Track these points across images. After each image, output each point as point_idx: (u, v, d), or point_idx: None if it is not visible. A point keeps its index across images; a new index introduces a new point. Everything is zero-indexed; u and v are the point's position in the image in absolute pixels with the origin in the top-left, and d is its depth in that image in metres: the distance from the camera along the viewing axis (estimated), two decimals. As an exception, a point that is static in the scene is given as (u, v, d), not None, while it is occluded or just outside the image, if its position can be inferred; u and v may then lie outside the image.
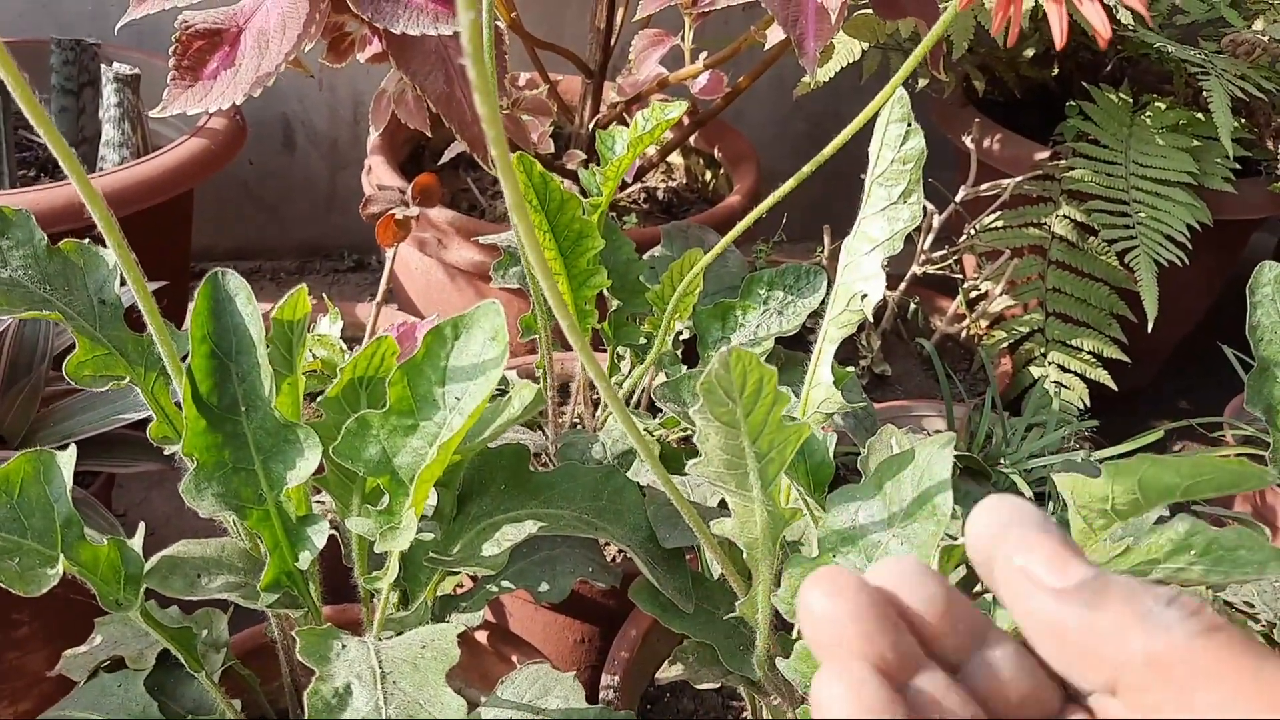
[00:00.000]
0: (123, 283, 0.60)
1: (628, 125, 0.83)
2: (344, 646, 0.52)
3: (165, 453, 0.61)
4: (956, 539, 0.49)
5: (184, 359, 0.57)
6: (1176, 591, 0.26)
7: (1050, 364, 1.20)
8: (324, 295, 1.08)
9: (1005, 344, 1.21)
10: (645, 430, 0.87)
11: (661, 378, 0.90)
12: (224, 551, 0.60)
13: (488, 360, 0.53)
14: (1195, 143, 1.18)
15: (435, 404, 0.53)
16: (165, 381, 0.61)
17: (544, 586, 0.69)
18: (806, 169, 0.68)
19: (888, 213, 0.64)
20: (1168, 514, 0.62)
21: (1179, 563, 0.54)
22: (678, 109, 0.79)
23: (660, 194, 1.33)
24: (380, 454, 0.54)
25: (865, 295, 0.65)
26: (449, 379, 0.53)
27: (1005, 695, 0.28)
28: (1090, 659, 0.26)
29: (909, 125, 0.63)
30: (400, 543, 0.53)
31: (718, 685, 0.70)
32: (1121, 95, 1.23)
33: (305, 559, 0.57)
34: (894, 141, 0.64)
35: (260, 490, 0.56)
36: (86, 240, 0.62)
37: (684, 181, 1.38)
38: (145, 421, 0.63)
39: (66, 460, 0.55)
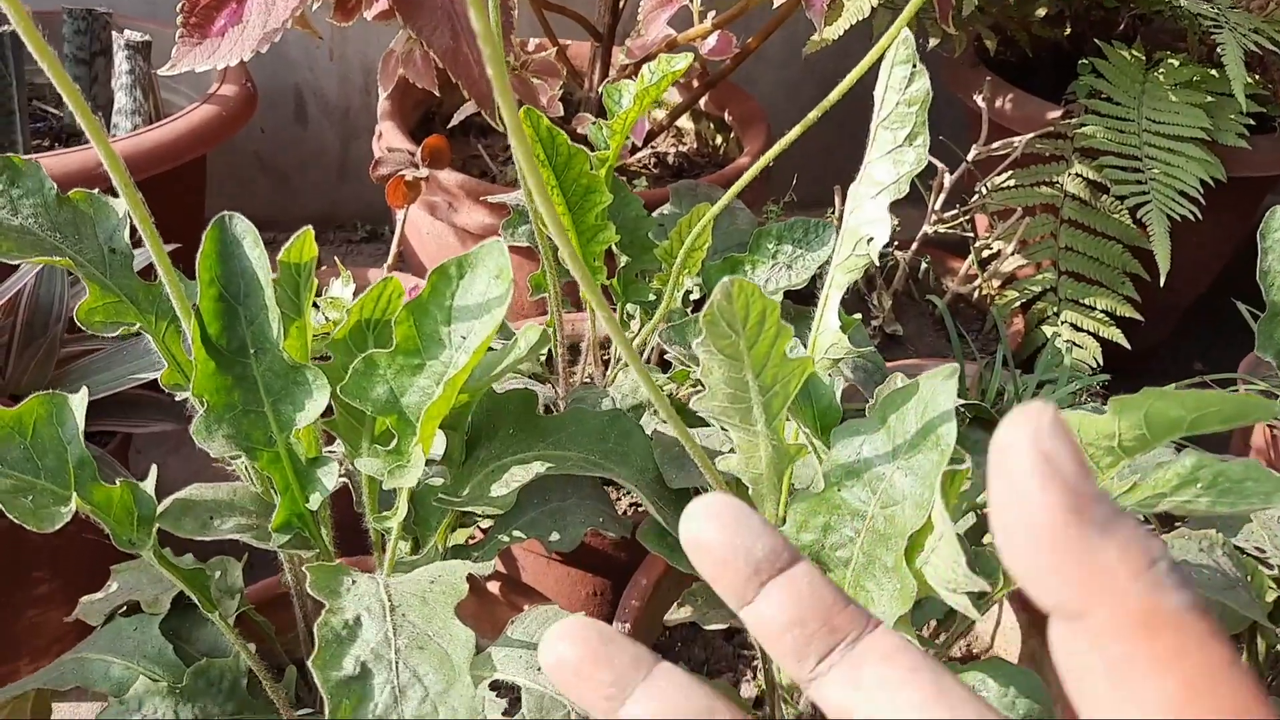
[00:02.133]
0: (133, 232, 0.61)
1: (636, 83, 0.83)
2: (354, 582, 0.53)
3: (177, 399, 0.62)
4: (961, 463, 0.50)
5: (193, 306, 0.58)
6: (1169, 553, 0.26)
7: (1063, 323, 1.20)
8: (336, 259, 1.08)
9: (1018, 303, 1.21)
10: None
11: (671, 334, 0.90)
12: (235, 495, 0.60)
13: (492, 299, 0.53)
14: (1209, 99, 1.17)
15: (441, 343, 0.54)
16: (176, 329, 0.62)
17: (554, 536, 0.70)
18: (813, 115, 0.68)
19: (893, 155, 0.64)
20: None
21: (1186, 495, 0.54)
22: (684, 60, 0.79)
23: (670, 158, 1.33)
24: (388, 394, 0.54)
25: (871, 239, 0.64)
26: (454, 318, 0.53)
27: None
28: (1074, 582, 0.25)
29: (914, 67, 0.63)
30: (408, 479, 0.54)
31: (726, 628, 0.70)
32: (1134, 53, 1.22)
33: (316, 500, 0.58)
34: (899, 84, 0.64)
35: (270, 432, 0.56)
36: (96, 190, 0.63)
37: (694, 146, 1.37)
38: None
39: (79, 403, 0.55)
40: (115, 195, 0.61)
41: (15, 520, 0.51)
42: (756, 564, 0.29)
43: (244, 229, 0.56)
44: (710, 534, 0.29)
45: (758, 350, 0.49)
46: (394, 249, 1.11)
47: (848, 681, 0.28)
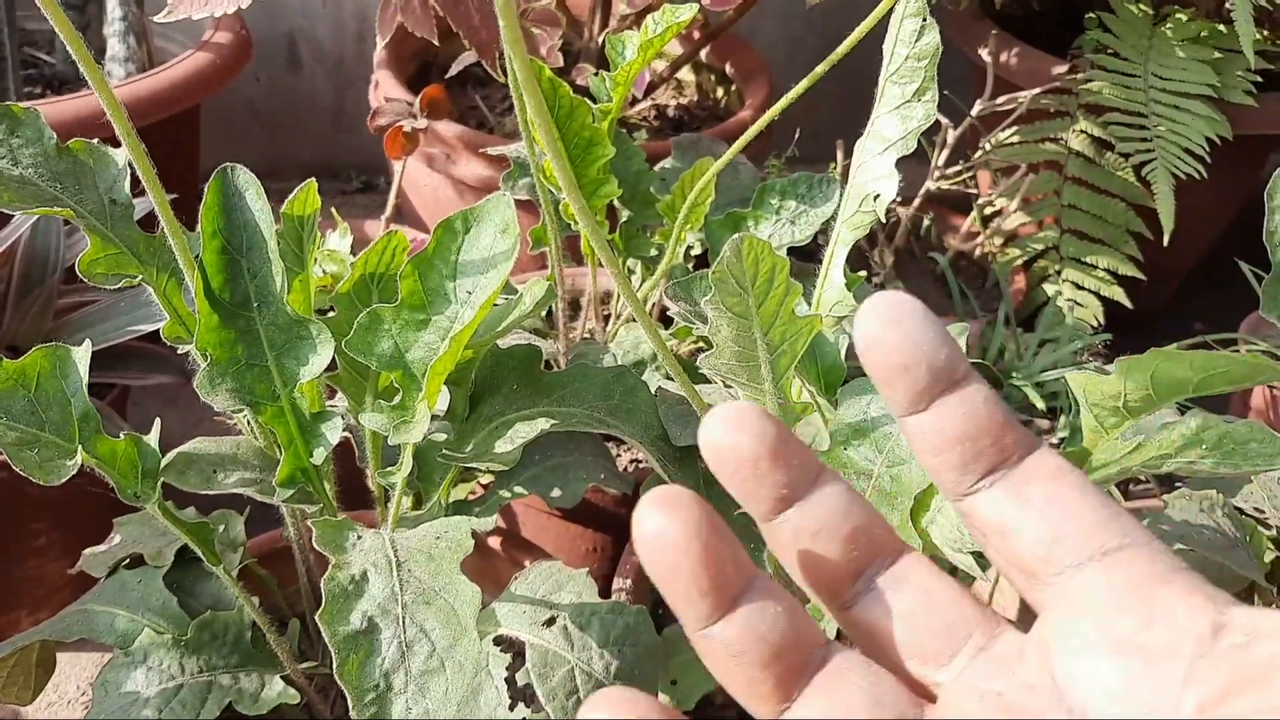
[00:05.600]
0: (134, 182, 0.60)
1: (639, 33, 0.82)
2: (359, 537, 0.53)
3: (179, 351, 0.61)
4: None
5: (196, 259, 0.57)
6: None
7: (1065, 281, 1.19)
8: (333, 210, 1.07)
9: (1020, 261, 1.21)
10: (656, 341, 0.87)
11: (673, 289, 0.89)
12: (239, 449, 0.60)
13: (498, 253, 0.52)
14: (1216, 55, 1.16)
15: (447, 298, 0.53)
16: (177, 282, 0.61)
17: (556, 492, 0.70)
18: (820, 69, 0.67)
19: (901, 111, 0.63)
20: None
21: (1190, 456, 0.54)
22: (689, 10, 0.77)
23: (671, 111, 1.32)
24: (393, 349, 0.54)
25: (878, 196, 0.64)
26: (460, 273, 0.53)
27: (838, 528, 0.28)
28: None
29: (924, 20, 0.62)
30: (413, 435, 0.54)
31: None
32: (1142, 7, 1.21)
33: (320, 455, 0.58)
34: (908, 37, 0.63)
35: (274, 386, 0.56)
36: (96, 140, 0.62)
37: (695, 99, 1.36)
38: (160, 335, 0.63)
39: (82, 355, 0.55)
40: (112, 144, 0.60)
41: (21, 473, 0.51)
42: (936, 373, 0.27)
43: (247, 181, 0.56)
44: (893, 336, 0.27)
45: (766, 308, 0.49)
46: (391, 201, 1.10)
47: (1013, 498, 0.27)
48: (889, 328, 0.27)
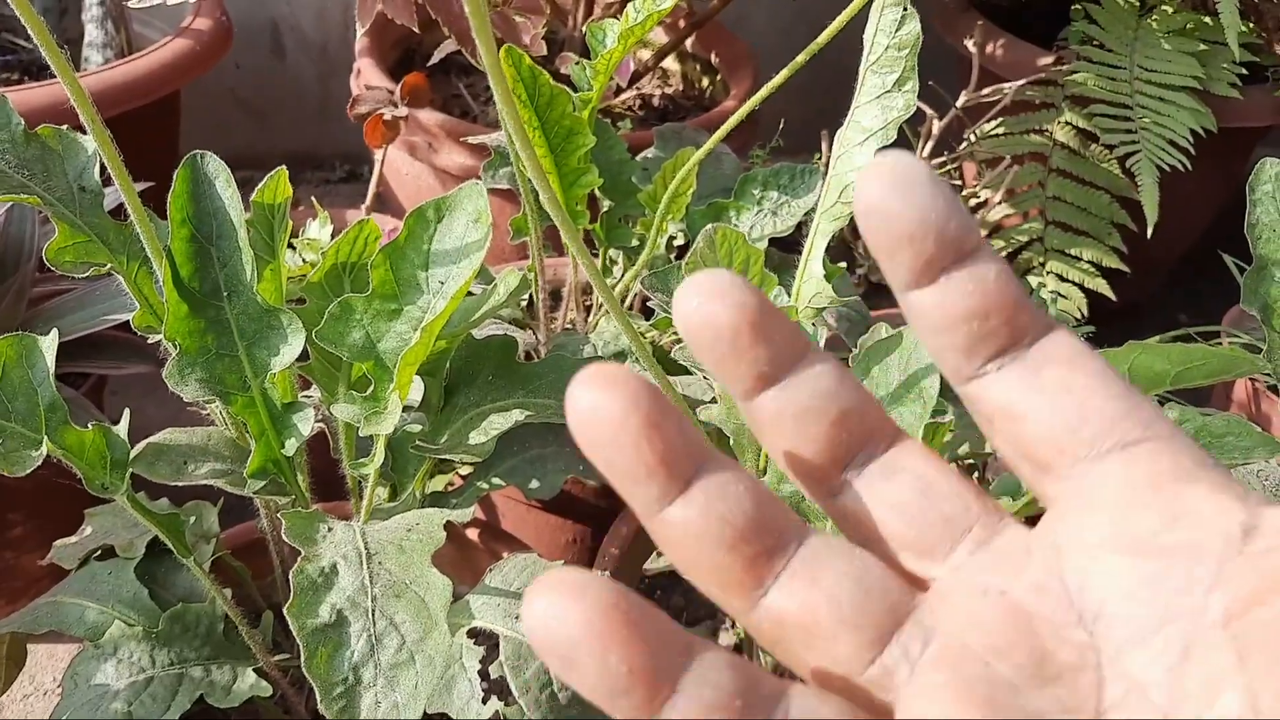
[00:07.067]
0: (103, 170, 0.59)
1: (620, 21, 0.81)
2: (330, 529, 0.52)
3: (150, 341, 0.60)
4: (946, 413, 0.49)
5: (165, 247, 0.56)
6: None
7: (1049, 273, 1.19)
8: (313, 199, 1.06)
9: (1004, 253, 1.20)
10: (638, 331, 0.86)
11: (654, 280, 0.89)
12: (210, 440, 0.60)
13: (471, 243, 0.52)
14: (1202, 47, 1.16)
15: (419, 288, 0.53)
16: (148, 270, 0.61)
17: (534, 483, 0.69)
18: (800, 59, 0.66)
19: (882, 101, 0.63)
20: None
21: (1167, 449, 0.53)
22: (670, -1, 0.76)
23: (655, 100, 1.31)
24: (364, 339, 0.53)
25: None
26: (432, 262, 0.52)
27: (825, 410, 0.25)
28: None
29: (905, 9, 0.62)
30: (385, 426, 0.53)
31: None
32: (1128, -2, 1.21)
33: (291, 446, 0.57)
34: (889, 27, 0.62)
35: (245, 376, 0.55)
36: (65, 126, 0.61)
37: (680, 88, 1.35)
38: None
39: (49, 345, 0.54)
40: (85, 132, 0.59)
41: (-16, 465, 0.50)
42: (945, 244, 0.24)
43: (216, 168, 0.55)
44: (898, 203, 0.24)
45: (741, 299, 0.48)
46: (372, 190, 1.09)
47: (1026, 382, 0.24)
48: (894, 195, 0.24)
